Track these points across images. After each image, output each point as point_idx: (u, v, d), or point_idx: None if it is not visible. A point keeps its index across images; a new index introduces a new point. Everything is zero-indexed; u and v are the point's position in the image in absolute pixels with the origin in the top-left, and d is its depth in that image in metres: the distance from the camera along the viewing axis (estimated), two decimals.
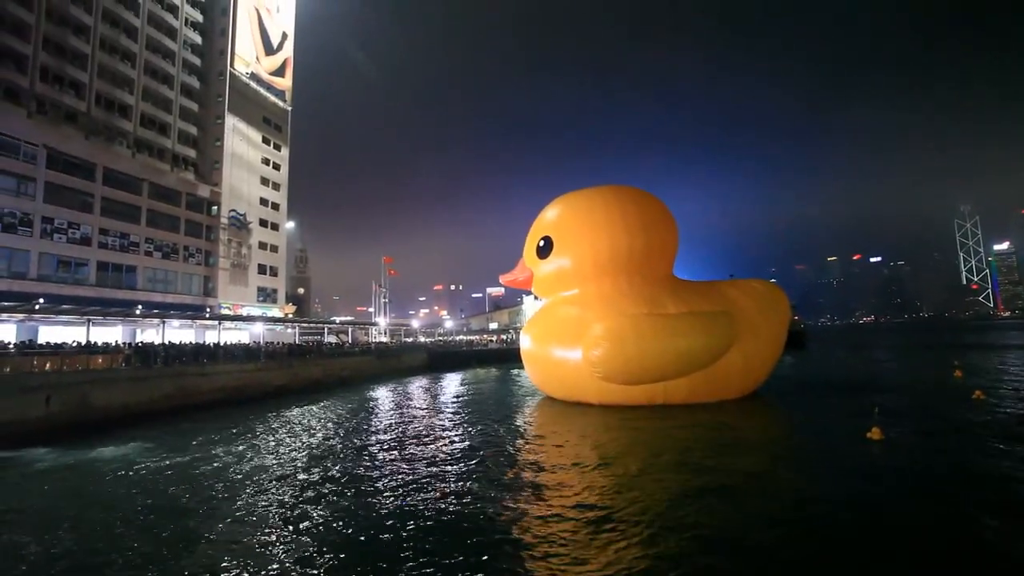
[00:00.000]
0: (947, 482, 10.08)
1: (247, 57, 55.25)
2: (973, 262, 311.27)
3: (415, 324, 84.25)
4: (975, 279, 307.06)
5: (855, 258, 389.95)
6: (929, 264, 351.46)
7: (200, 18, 52.43)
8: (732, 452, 12.79)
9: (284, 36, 61.98)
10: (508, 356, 50.42)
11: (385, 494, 10.42)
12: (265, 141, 57.90)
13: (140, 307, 36.02)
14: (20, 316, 27.18)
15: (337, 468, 12.68)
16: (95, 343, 25.70)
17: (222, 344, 32.01)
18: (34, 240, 34.76)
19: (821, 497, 9.41)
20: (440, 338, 73.01)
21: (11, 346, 23.39)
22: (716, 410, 18.35)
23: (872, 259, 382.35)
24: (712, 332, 18.82)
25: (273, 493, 10.77)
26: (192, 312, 42.05)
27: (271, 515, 9.43)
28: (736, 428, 15.99)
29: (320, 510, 9.59)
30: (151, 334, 35.13)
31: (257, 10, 57.22)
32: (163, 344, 28.17)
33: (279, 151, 60.32)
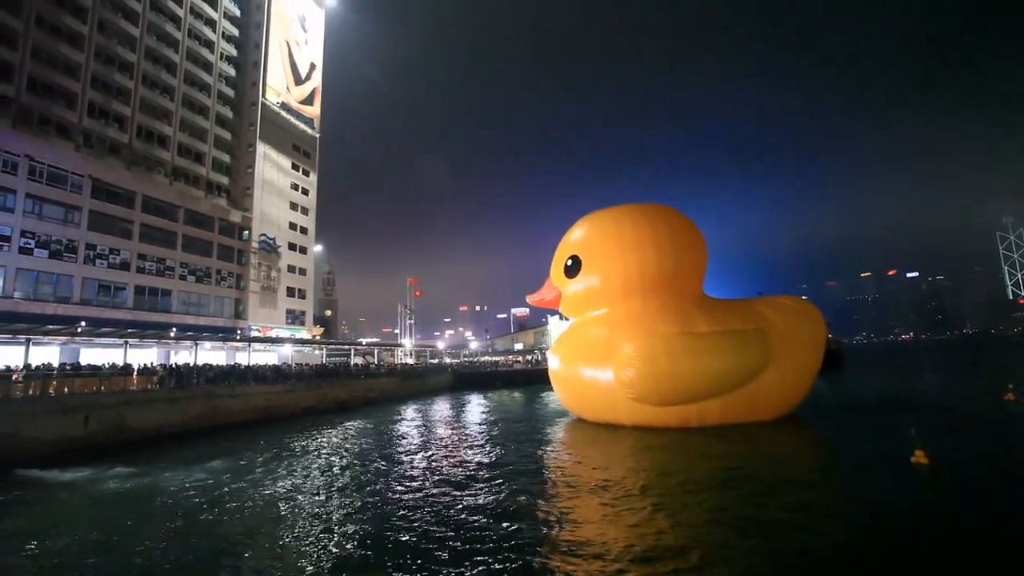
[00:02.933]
0: (996, 510, 9.38)
1: (278, 87, 57.49)
2: (1019, 275, 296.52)
3: (440, 345, 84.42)
4: (1022, 293, 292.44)
5: (890, 273, 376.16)
6: (970, 279, 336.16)
7: (234, 52, 54.92)
8: (769, 476, 12.17)
9: (312, 66, 64.41)
10: (534, 377, 49.84)
11: (418, 514, 10.21)
12: (294, 167, 59.70)
13: (174, 329, 36.95)
14: (63, 339, 28.17)
15: (368, 490, 12.51)
16: (131, 365, 26.39)
17: (252, 366, 32.52)
18: (78, 266, 36.27)
19: (863, 523, 8.90)
20: (465, 359, 72.83)
21: (54, 368, 24.18)
22: (751, 432, 17.62)
23: (909, 274, 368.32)
24: (745, 351, 18.21)
25: (309, 513, 10.65)
26: (223, 334, 42.93)
27: (309, 536, 9.31)
28: (773, 451, 15.29)
29: (357, 533, 9.43)
30: (184, 355, 35.97)
31: (287, 42, 59.73)
32: (196, 365, 28.73)
33: (308, 177, 62.07)
